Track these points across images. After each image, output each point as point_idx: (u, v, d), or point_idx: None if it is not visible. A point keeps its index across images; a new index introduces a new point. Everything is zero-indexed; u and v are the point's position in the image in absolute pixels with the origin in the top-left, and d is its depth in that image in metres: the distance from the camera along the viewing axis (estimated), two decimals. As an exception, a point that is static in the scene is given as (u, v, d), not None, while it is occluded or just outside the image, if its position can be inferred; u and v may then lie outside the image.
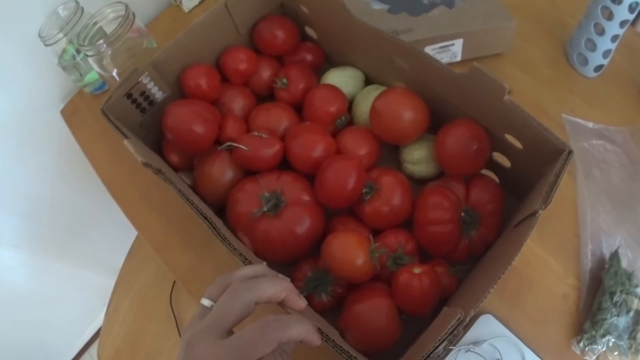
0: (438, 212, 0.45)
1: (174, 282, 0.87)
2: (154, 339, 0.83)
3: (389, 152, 0.55)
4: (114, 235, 0.89)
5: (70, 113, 0.65)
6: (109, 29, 0.56)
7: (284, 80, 0.56)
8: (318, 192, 0.48)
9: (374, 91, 0.52)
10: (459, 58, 0.61)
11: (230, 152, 0.51)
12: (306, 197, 0.48)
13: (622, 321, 0.48)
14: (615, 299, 0.49)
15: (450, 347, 0.47)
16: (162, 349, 0.79)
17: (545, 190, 0.38)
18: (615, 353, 0.48)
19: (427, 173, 0.52)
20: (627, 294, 0.49)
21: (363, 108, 0.53)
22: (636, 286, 0.50)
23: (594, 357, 0.48)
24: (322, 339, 0.34)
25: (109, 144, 0.61)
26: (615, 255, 0.52)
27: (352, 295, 0.46)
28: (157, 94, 0.50)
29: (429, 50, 0.58)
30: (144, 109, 0.50)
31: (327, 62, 0.62)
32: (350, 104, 0.56)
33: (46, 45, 0.58)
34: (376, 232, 0.48)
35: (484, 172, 0.52)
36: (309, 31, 0.60)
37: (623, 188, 0.58)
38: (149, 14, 0.70)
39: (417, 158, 0.51)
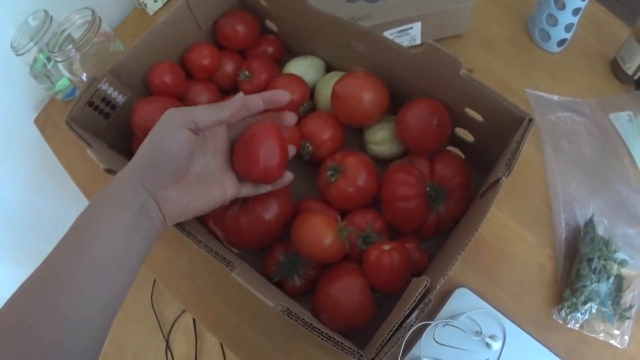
0: (403, 188, 0.46)
1: (154, 283, 0.87)
2: (138, 340, 0.82)
3: (352, 135, 0.55)
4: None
5: (44, 121, 0.66)
6: (77, 35, 0.57)
7: (247, 73, 0.56)
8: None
9: (334, 77, 0.53)
10: (418, 41, 0.61)
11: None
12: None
13: (604, 287, 0.48)
14: (593, 265, 0.49)
15: (428, 322, 0.47)
16: (147, 350, 0.79)
17: (508, 157, 0.39)
18: (600, 320, 0.47)
19: (391, 153, 0.53)
20: (605, 259, 0.49)
21: (325, 94, 0.54)
22: (615, 252, 0.50)
23: (578, 325, 0.47)
24: (292, 319, 0.35)
25: (82, 148, 0.62)
26: (590, 223, 0.52)
27: (325, 276, 0.46)
28: (118, 97, 0.51)
29: (387, 34, 0.59)
30: (107, 114, 0.51)
31: (288, 52, 0.62)
32: (312, 92, 0.57)
33: (18, 55, 0.58)
34: (345, 213, 0.49)
35: (449, 149, 0.52)
36: (269, 24, 0.61)
37: (594, 158, 0.58)
38: (115, 18, 0.71)
39: (380, 138, 0.52)
